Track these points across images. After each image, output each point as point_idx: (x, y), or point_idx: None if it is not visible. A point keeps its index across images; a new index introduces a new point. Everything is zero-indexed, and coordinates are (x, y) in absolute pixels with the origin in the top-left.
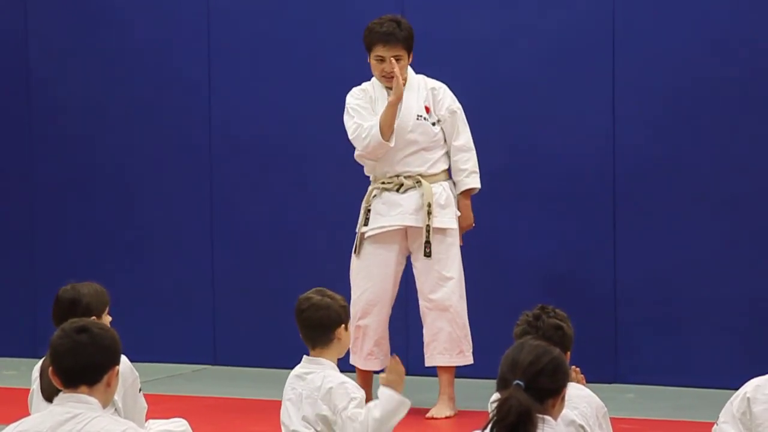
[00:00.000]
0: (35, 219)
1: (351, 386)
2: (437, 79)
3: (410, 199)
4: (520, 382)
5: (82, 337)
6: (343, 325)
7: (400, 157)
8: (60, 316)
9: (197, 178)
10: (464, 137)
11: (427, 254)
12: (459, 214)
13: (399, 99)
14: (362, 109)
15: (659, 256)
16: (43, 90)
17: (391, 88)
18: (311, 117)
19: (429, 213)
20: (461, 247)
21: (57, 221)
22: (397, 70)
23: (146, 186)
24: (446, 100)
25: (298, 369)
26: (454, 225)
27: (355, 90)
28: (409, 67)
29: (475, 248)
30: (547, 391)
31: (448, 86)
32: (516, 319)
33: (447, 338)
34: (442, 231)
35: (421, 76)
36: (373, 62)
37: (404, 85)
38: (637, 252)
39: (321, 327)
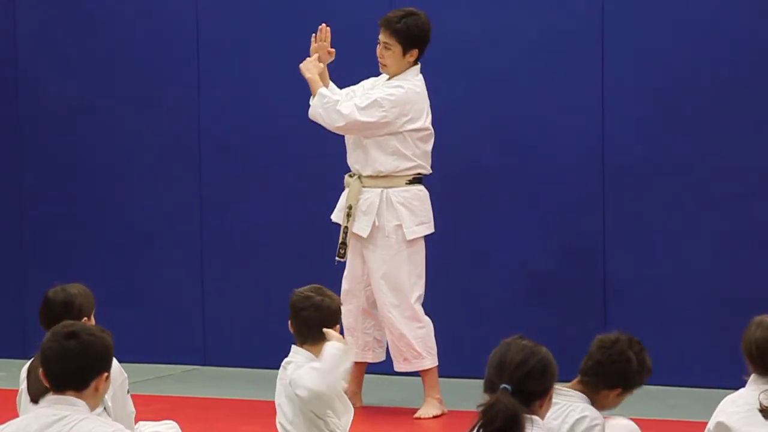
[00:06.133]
0: (24, 220)
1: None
2: (426, 76)
3: (344, 197)
4: (507, 387)
5: (71, 344)
6: (337, 326)
7: (349, 153)
8: (51, 318)
9: (187, 179)
10: (363, 98)
11: (340, 255)
12: (396, 223)
13: (305, 70)
14: (358, 86)
15: (648, 255)
16: (32, 91)
17: (382, 73)
18: (300, 117)
19: (348, 215)
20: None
21: (46, 222)
22: (313, 50)
23: (135, 187)
24: (377, 89)
25: (286, 359)
26: (364, 234)
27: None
28: (414, 69)
29: (463, 247)
30: (535, 393)
31: (437, 85)
32: (504, 319)
33: (391, 345)
34: (364, 238)
35: (406, 78)
36: None
37: (391, 76)
38: (626, 251)
39: (317, 327)
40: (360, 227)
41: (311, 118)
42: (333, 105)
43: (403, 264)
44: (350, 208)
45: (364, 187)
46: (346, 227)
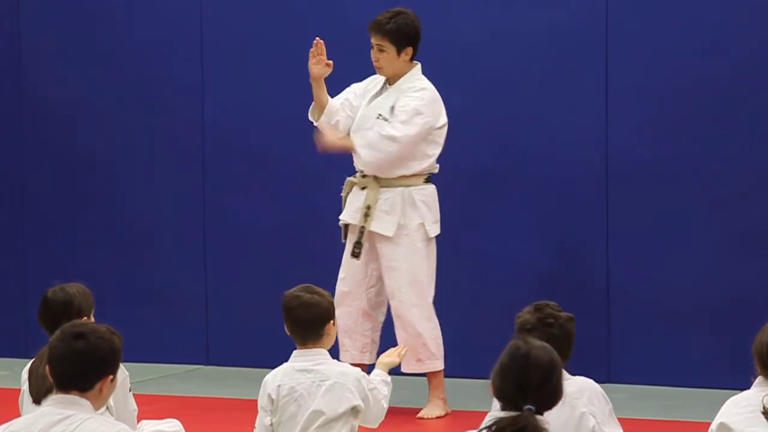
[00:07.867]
0: (27, 220)
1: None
2: (428, 77)
3: (361, 198)
4: (532, 408)
5: (78, 345)
6: (331, 321)
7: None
8: (51, 318)
9: (190, 179)
10: (398, 115)
11: (355, 255)
12: (419, 222)
13: (312, 76)
14: (348, 91)
15: (651, 256)
16: (35, 91)
17: (381, 77)
18: (303, 117)
19: (366, 215)
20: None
21: (48, 222)
22: (313, 52)
23: (138, 186)
24: (403, 99)
25: (297, 364)
26: (390, 233)
27: (369, 77)
28: (416, 70)
29: (467, 248)
30: (551, 406)
31: (439, 86)
32: (507, 320)
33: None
34: (385, 237)
35: (416, 79)
36: None
37: (390, 79)
38: (630, 252)
39: (311, 325)
40: (384, 227)
41: (366, 167)
42: (378, 138)
43: (423, 262)
44: (368, 208)
45: (382, 187)
46: (363, 227)
